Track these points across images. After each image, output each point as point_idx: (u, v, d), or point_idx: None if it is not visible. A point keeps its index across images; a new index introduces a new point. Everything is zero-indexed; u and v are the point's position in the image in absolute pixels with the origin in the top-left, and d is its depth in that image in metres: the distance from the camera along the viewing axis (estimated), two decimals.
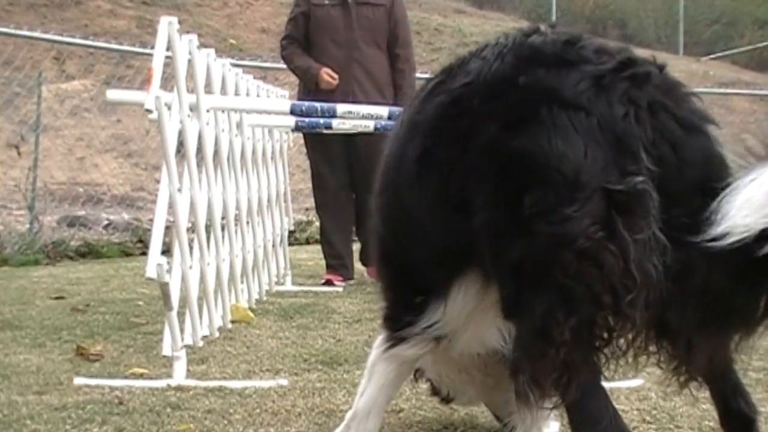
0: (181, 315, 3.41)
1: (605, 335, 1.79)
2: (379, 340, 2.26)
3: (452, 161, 1.88)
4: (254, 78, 5.20)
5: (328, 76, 5.31)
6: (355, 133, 4.56)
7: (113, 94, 3.73)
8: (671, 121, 1.78)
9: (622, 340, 1.85)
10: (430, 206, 1.96)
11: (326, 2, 5.39)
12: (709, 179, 1.76)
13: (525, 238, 1.75)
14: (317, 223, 8.17)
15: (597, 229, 1.69)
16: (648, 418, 2.73)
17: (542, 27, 1.95)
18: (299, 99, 5.38)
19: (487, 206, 1.81)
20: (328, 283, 5.52)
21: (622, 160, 1.71)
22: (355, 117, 4.03)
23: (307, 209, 8.98)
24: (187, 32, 3.72)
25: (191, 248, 3.63)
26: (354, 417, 2.30)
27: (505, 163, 1.78)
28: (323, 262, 5.78)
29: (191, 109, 3.62)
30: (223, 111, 4.11)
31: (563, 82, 1.77)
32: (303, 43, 5.45)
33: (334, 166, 5.51)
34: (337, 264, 5.61)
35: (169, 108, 3.36)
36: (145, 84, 3.20)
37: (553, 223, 1.71)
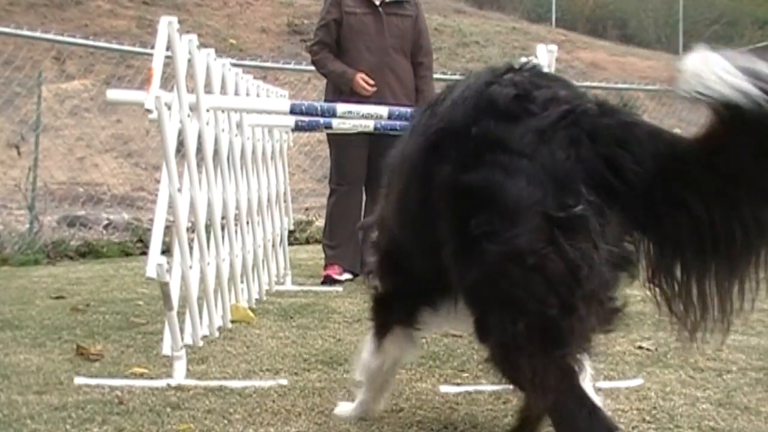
0: (181, 315, 3.41)
1: (561, 336, 1.91)
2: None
3: (426, 203, 2.10)
4: (254, 78, 5.20)
5: (363, 81, 5.48)
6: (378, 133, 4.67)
7: (113, 94, 3.73)
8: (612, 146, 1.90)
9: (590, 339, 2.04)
10: (415, 240, 2.21)
11: (358, 11, 5.58)
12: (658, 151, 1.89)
13: (477, 260, 1.93)
14: (317, 223, 8.20)
15: (541, 244, 1.86)
16: (648, 418, 2.73)
17: (514, 65, 2.16)
18: (326, 100, 5.52)
19: (448, 238, 2.02)
20: (327, 279, 5.53)
21: (562, 196, 1.87)
22: (355, 117, 4.02)
23: (307, 209, 8.98)
24: (187, 32, 3.72)
25: (191, 248, 3.63)
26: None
27: (456, 197, 1.99)
28: (323, 262, 5.78)
29: (191, 109, 3.62)
30: (222, 111, 4.12)
31: (510, 135, 1.94)
32: (334, 49, 5.60)
33: (355, 163, 5.60)
34: (336, 254, 5.63)
35: (169, 108, 3.36)
36: (145, 84, 3.20)
37: (499, 243, 1.89)
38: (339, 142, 5.55)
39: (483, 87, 2.08)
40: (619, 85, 12.76)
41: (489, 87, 2.07)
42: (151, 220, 3.74)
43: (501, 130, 1.96)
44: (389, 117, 3.99)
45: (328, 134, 5.66)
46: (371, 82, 5.48)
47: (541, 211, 1.86)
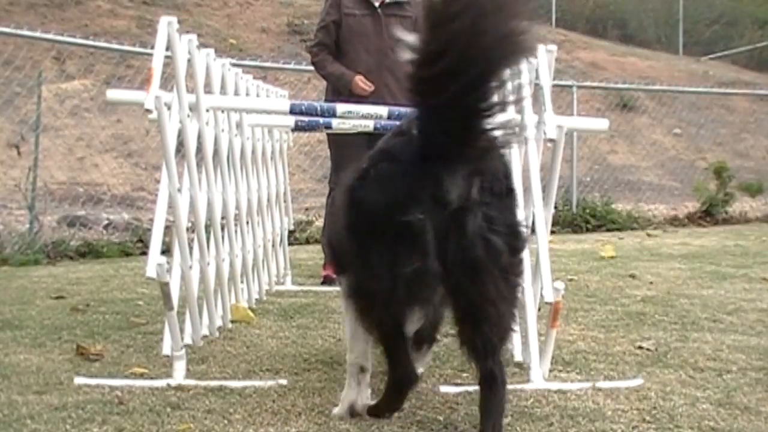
0: (181, 315, 3.41)
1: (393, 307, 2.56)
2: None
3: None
4: (254, 78, 5.20)
5: (362, 83, 5.51)
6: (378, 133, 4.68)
7: (113, 94, 3.73)
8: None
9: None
10: None
11: (357, 12, 5.59)
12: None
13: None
14: (317, 223, 8.19)
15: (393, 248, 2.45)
16: (648, 418, 2.73)
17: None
18: (326, 100, 5.53)
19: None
20: (327, 279, 5.53)
21: (408, 205, 2.43)
22: (355, 117, 4.02)
23: (307, 209, 8.97)
24: (187, 32, 3.72)
25: (191, 248, 3.63)
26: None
27: (352, 206, 2.57)
28: (323, 262, 5.78)
29: (191, 109, 3.62)
30: (222, 111, 4.11)
31: (392, 145, 2.62)
32: (334, 50, 5.60)
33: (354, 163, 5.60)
34: None
35: (169, 108, 3.36)
36: (145, 84, 3.20)
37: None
38: (339, 142, 5.55)
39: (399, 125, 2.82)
40: (619, 85, 12.74)
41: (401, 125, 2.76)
42: (151, 220, 3.74)
43: (389, 142, 2.66)
44: (389, 117, 3.99)
45: (328, 134, 5.66)
46: (369, 83, 5.49)
47: (396, 219, 2.43)
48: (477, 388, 3.03)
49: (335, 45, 5.64)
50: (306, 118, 4.26)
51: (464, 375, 3.28)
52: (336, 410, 2.77)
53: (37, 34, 8.57)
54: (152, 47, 3.39)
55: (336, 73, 5.60)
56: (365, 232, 2.52)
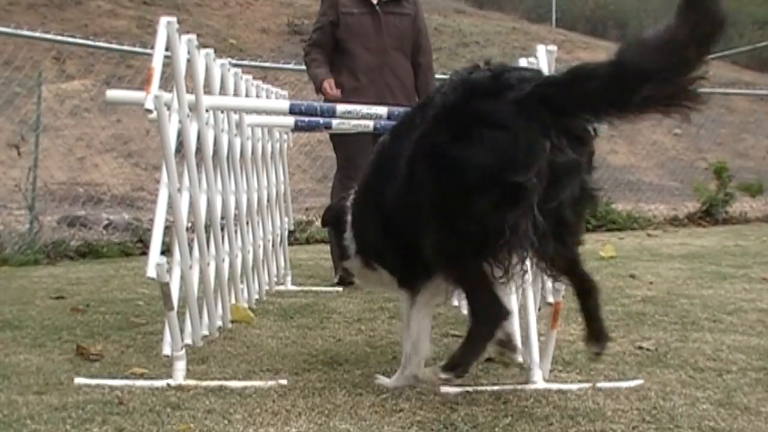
0: (181, 315, 3.41)
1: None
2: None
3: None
4: (254, 78, 5.20)
5: (329, 87, 5.46)
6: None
7: (113, 94, 3.72)
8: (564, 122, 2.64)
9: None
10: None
11: (355, 11, 5.55)
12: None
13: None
14: (317, 223, 8.19)
15: (489, 208, 2.60)
16: (648, 418, 2.73)
17: (480, 65, 2.83)
18: (326, 100, 5.46)
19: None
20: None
21: (516, 169, 2.54)
22: (355, 117, 4.03)
23: (307, 209, 8.97)
24: (187, 32, 3.71)
25: (191, 248, 3.63)
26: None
27: (447, 165, 2.65)
28: (323, 263, 5.78)
29: (191, 109, 3.62)
30: (222, 111, 4.11)
31: (493, 108, 2.61)
32: (328, 50, 5.56)
33: (359, 163, 5.58)
34: None
35: (169, 108, 3.36)
36: (145, 84, 3.20)
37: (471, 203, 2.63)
38: (342, 143, 5.52)
39: (466, 76, 2.76)
40: None
41: (471, 75, 2.76)
42: (151, 220, 3.74)
43: (486, 105, 2.63)
44: (389, 117, 3.99)
45: (331, 134, 5.63)
46: (335, 89, 5.44)
47: (499, 180, 2.57)
48: (477, 388, 3.05)
49: (334, 45, 5.61)
50: (306, 118, 4.27)
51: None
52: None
53: (37, 34, 8.56)
54: (152, 47, 3.39)
55: (312, 75, 5.59)
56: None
